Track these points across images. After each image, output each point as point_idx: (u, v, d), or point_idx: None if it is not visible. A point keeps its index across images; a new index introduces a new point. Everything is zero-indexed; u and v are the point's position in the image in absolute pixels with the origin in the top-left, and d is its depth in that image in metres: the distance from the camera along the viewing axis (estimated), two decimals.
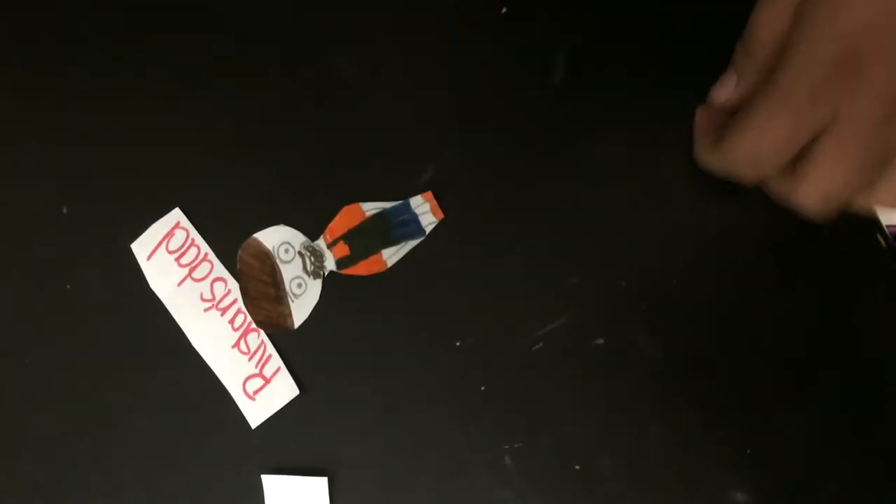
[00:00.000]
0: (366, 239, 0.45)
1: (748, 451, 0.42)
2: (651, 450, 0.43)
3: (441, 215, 0.45)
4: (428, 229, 0.45)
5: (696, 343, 0.43)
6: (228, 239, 0.46)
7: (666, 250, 0.44)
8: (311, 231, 0.46)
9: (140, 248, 0.46)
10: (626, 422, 0.43)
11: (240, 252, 0.46)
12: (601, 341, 0.44)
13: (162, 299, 0.46)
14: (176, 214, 0.46)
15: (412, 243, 0.45)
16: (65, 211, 0.47)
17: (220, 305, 0.46)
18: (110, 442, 0.46)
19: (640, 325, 0.44)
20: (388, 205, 0.46)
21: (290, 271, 0.46)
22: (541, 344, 0.44)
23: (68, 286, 0.47)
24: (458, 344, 0.45)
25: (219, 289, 0.46)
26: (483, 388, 0.44)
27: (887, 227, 0.42)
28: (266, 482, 0.45)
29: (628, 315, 0.44)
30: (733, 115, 0.39)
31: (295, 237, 0.46)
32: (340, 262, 0.46)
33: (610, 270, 0.44)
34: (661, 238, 0.44)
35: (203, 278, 0.46)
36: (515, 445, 0.44)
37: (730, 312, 0.43)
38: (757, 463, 0.42)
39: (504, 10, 0.46)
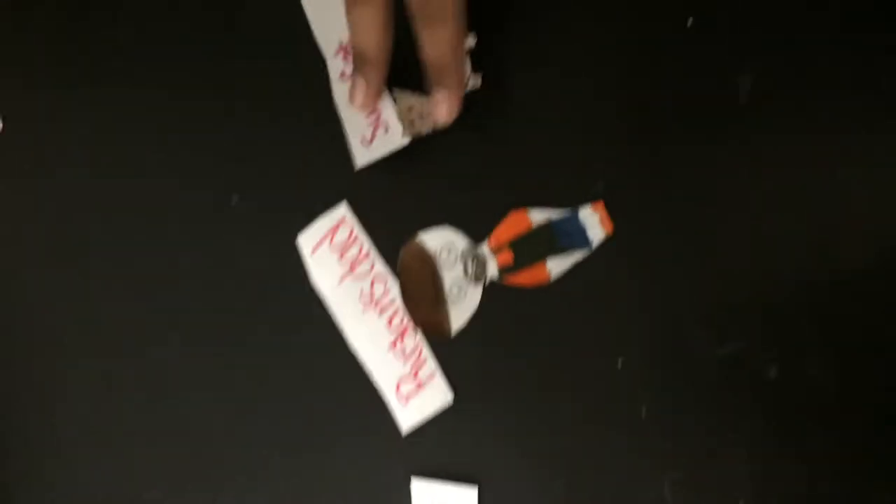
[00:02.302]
0: (531, 248, 0.45)
1: None
2: None
3: (610, 228, 0.44)
4: (595, 242, 0.44)
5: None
6: (391, 237, 0.46)
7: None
8: (475, 233, 0.45)
9: (306, 241, 0.47)
10: None
11: (402, 252, 0.46)
12: (773, 372, 0.42)
13: (323, 295, 0.47)
14: (342, 209, 0.47)
15: (578, 255, 0.44)
16: (234, 201, 0.47)
17: (380, 305, 0.46)
18: (259, 431, 0.46)
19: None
20: (555, 213, 0.45)
21: (451, 275, 0.45)
22: (709, 367, 0.42)
23: (233, 277, 0.47)
24: (619, 362, 0.44)
25: (378, 288, 0.46)
26: (644, 408, 0.43)
27: None
28: (415, 487, 0.44)
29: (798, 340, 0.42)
30: None
31: (458, 240, 0.45)
32: (503, 271, 0.45)
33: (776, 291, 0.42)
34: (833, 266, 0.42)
35: (364, 276, 0.46)
36: (675, 476, 0.42)
37: None
38: None
39: (690, 21, 0.45)
